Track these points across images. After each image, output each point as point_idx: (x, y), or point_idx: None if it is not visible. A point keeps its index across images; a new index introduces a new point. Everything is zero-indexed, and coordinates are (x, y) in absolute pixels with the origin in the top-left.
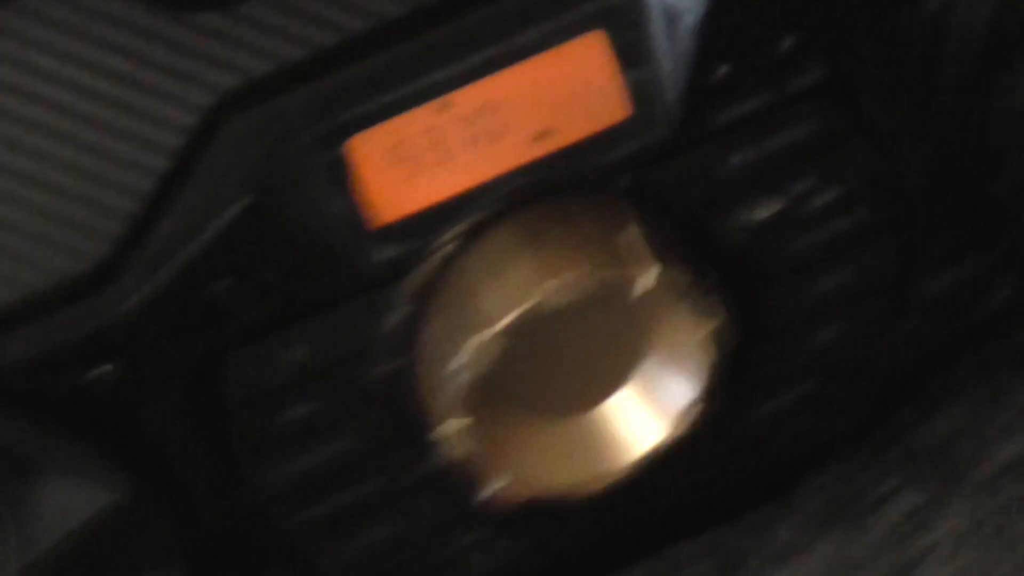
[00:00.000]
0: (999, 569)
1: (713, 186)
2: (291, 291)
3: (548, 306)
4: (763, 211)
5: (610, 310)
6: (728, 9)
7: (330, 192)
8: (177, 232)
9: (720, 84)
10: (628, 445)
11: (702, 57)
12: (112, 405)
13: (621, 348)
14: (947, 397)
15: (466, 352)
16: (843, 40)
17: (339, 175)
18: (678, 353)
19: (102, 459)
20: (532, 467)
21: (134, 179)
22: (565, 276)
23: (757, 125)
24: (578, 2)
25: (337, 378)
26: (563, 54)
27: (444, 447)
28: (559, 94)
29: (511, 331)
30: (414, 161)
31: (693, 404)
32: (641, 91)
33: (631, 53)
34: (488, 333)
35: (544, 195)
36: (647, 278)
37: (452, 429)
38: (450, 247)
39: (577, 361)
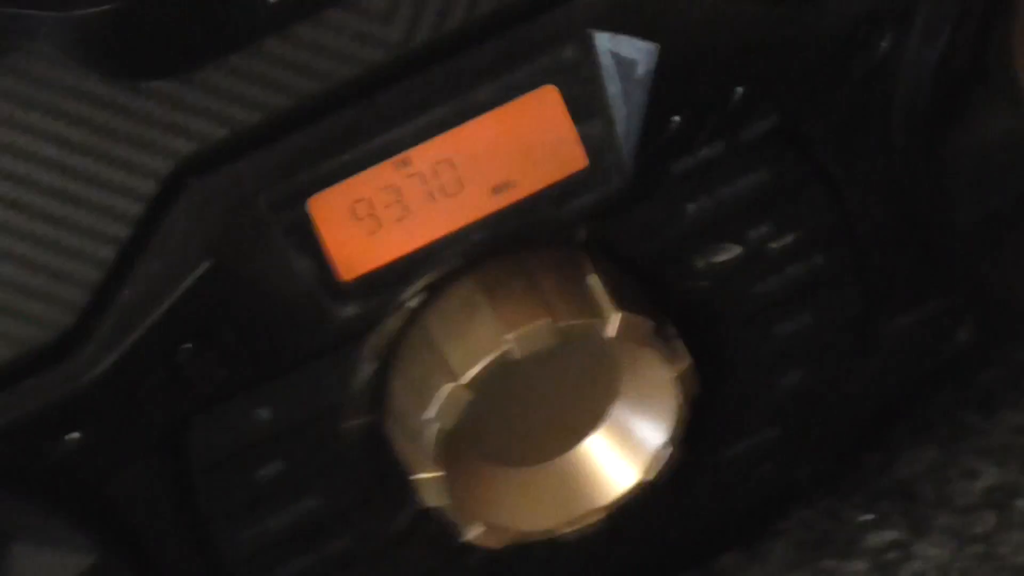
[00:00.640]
0: None
1: (670, 234)
2: (255, 353)
3: (512, 358)
4: (721, 258)
5: (575, 359)
6: (679, 60)
7: (291, 253)
8: (140, 299)
9: (673, 134)
10: (600, 490)
11: (654, 108)
12: (81, 472)
13: (588, 395)
14: (911, 440)
15: (434, 406)
16: (793, 88)
17: (300, 236)
18: (645, 399)
19: (72, 526)
20: (505, 515)
21: (95, 248)
22: (528, 328)
23: (712, 174)
24: (530, 57)
25: (304, 437)
26: (517, 109)
27: (417, 500)
28: (515, 148)
29: (477, 383)
30: (374, 219)
31: (663, 448)
32: (595, 143)
33: (584, 106)
34: (455, 386)
35: (504, 248)
36: (609, 327)
37: (425, 480)
38: (413, 302)
39: (545, 409)
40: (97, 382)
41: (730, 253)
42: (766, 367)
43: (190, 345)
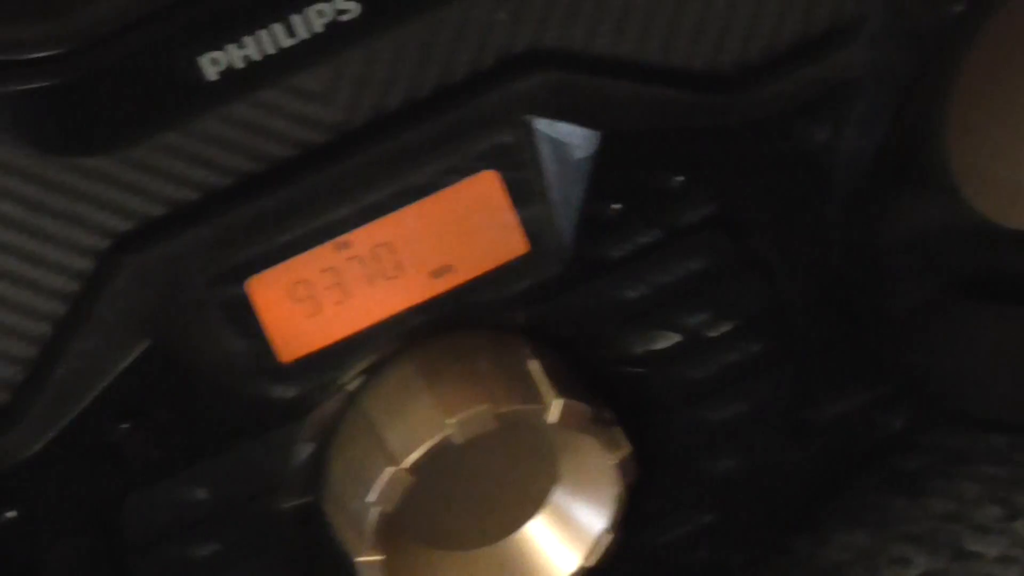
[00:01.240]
0: None
1: (608, 321)
2: (191, 432)
3: (456, 440)
4: (659, 345)
5: (515, 443)
6: (617, 148)
7: (229, 333)
8: (76, 377)
9: (612, 220)
10: (543, 574)
11: (593, 194)
12: (14, 550)
13: (529, 480)
14: (841, 524)
15: (376, 488)
16: (730, 176)
17: (238, 316)
18: (586, 484)
19: None
20: None
21: (31, 325)
22: (471, 411)
23: (649, 260)
24: (469, 141)
25: (241, 517)
26: (456, 193)
27: None
28: (454, 232)
29: (418, 467)
30: (313, 301)
31: (604, 534)
32: (535, 228)
33: (523, 191)
34: (395, 470)
35: (443, 331)
36: (549, 413)
37: (366, 564)
38: (352, 384)
39: (485, 493)
40: (31, 460)
41: (668, 340)
42: (701, 453)
43: (126, 425)
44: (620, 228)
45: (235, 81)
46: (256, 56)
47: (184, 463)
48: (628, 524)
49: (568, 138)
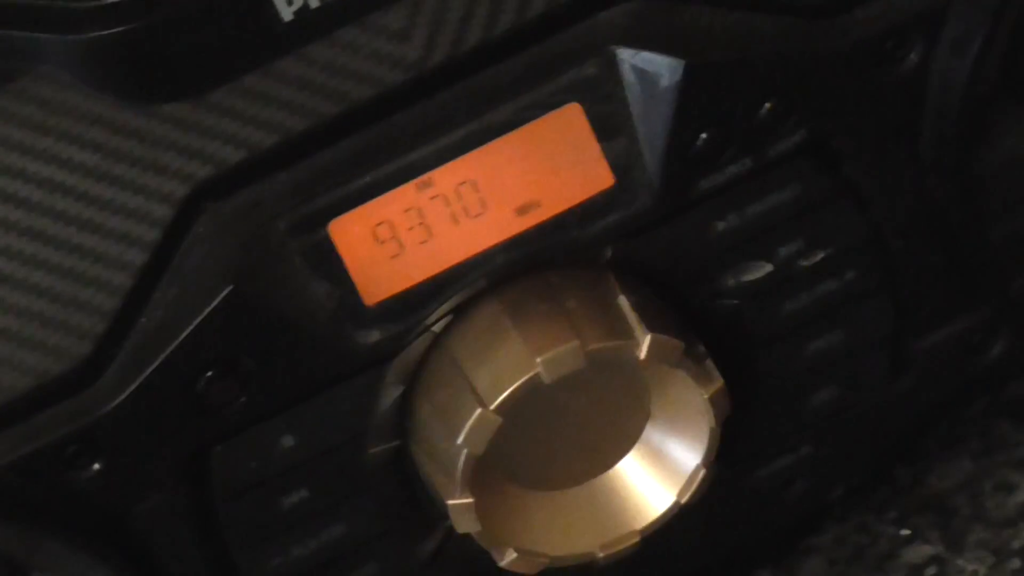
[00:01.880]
0: None
1: (699, 253)
2: (276, 380)
3: (544, 379)
4: (750, 276)
5: (604, 382)
6: (704, 76)
7: (312, 277)
8: (158, 327)
9: (700, 151)
10: (634, 513)
11: (680, 125)
12: (100, 503)
13: (619, 418)
14: (943, 453)
15: (462, 431)
16: (821, 103)
17: (320, 260)
18: (677, 420)
19: (93, 558)
20: (537, 540)
21: (112, 275)
22: (560, 349)
23: (739, 191)
24: (552, 75)
25: (328, 464)
26: (540, 128)
27: (445, 527)
28: (539, 168)
29: (505, 409)
30: (396, 241)
31: (697, 470)
32: (621, 161)
33: (608, 124)
34: (483, 412)
35: (529, 269)
36: (638, 349)
37: (456, 506)
38: (437, 326)
39: (575, 433)
40: (116, 412)
41: (760, 271)
42: (797, 385)
43: (210, 373)
44: (708, 159)
45: (311, 21)
46: None
47: (270, 410)
48: (724, 458)
49: (653, 68)
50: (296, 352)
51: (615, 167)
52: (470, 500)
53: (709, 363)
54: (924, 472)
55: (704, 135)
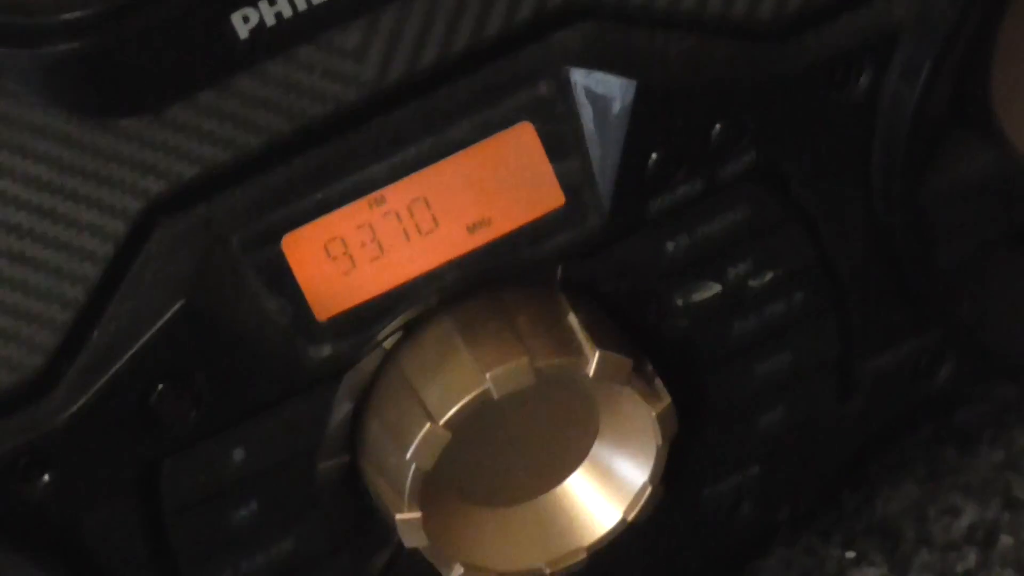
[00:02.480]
0: None
1: (648, 273)
2: (227, 394)
3: (490, 398)
4: (699, 296)
5: (553, 399)
6: (656, 98)
7: (264, 292)
8: (111, 340)
9: (651, 172)
10: (581, 530)
11: (632, 145)
12: (50, 514)
13: (567, 435)
14: (889, 477)
15: (411, 446)
16: (771, 126)
17: (273, 275)
18: (625, 438)
19: (41, 569)
20: (485, 556)
21: (65, 289)
22: (509, 365)
23: (690, 212)
24: (505, 94)
25: (278, 479)
26: (492, 146)
27: (394, 542)
28: (491, 186)
29: (455, 424)
30: (348, 258)
31: (644, 487)
32: (572, 181)
33: (560, 144)
34: (432, 427)
35: (480, 286)
36: (587, 366)
37: (405, 521)
38: (388, 342)
39: (524, 449)
40: (68, 424)
41: (709, 291)
42: (745, 406)
43: (162, 387)
44: (659, 180)
45: (267, 39)
46: (288, 13)
47: (221, 424)
48: (671, 478)
49: (605, 89)
50: (248, 367)
51: (566, 186)
52: (418, 515)
53: (657, 382)
54: (870, 496)
55: (655, 156)
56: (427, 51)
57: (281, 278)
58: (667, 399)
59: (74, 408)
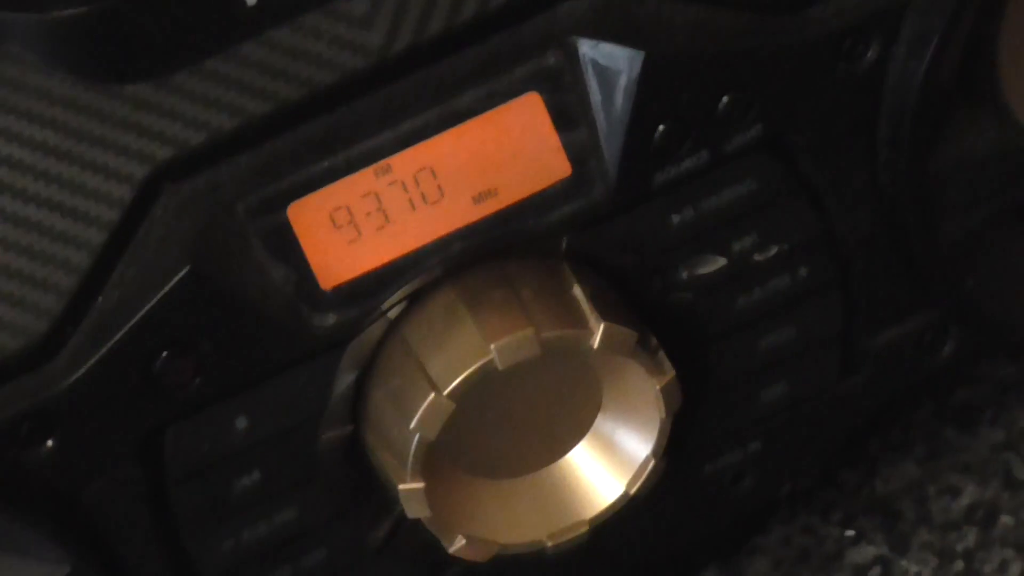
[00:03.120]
0: None
1: (654, 245)
2: (232, 361)
3: (498, 366)
4: (704, 270)
5: (557, 370)
6: (663, 69)
7: (269, 260)
8: (115, 306)
9: (657, 144)
10: (584, 503)
11: (638, 117)
12: (53, 481)
13: (571, 407)
14: (890, 456)
15: (415, 417)
16: (778, 99)
17: (278, 243)
18: (629, 411)
19: (43, 536)
20: (487, 528)
21: (70, 254)
22: (514, 336)
23: (695, 184)
24: (512, 64)
25: (281, 448)
26: (499, 116)
27: (397, 512)
28: (497, 156)
29: (459, 394)
30: (353, 227)
31: (647, 460)
32: (578, 152)
33: (567, 114)
34: (436, 397)
35: (485, 257)
36: (592, 338)
37: (408, 491)
38: (393, 312)
39: (527, 420)
40: (72, 390)
41: (714, 265)
42: (748, 380)
43: (166, 353)
44: (665, 151)
45: (274, 5)
46: None
47: (224, 392)
48: (673, 451)
49: (612, 60)
50: (252, 334)
51: (573, 157)
52: (421, 485)
53: (661, 354)
54: (870, 475)
55: (662, 127)
56: (434, 20)
57: (286, 246)
58: (671, 372)
59: (78, 374)
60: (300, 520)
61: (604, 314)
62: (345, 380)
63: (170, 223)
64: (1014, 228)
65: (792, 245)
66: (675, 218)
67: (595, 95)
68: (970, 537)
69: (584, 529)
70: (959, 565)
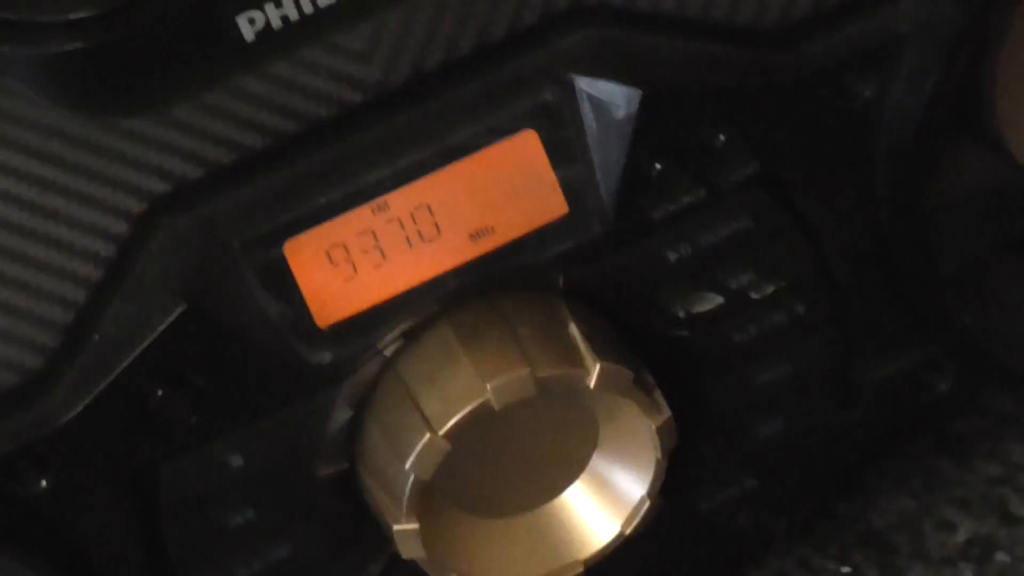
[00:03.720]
0: None
1: (650, 283)
2: (226, 398)
3: (494, 406)
4: (701, 307)
5: (553, 409)
6: (661, 106)
7: (265, 297)
8: (111, 342)
9: (653, 180)
10: (579, 543)
11: (635, 154)
12: (47, 518)
13: (566, 446)
14: (885, 489)
15: (410, 456)
16: (775, 135)
17: (274, 280)
18: (624, 450)
19: (37, 571)
20: (482, 568)
21: (65, 289)
22: (510, 376)
23: (692, 221)
24: (509, 101)
25: (275, 486)
26: (496, 153)
27: (391, 551)
28: (494, 193)
29: (454, 434)
30: (349, 264)
31: (642, 500)
32: (575, 189)
33: (563, 151)
34: (431, 437)
35: (482, 295)
36: (588, 377)
37: (402, 531)
38: (389, 349)
39: (523, 460)
40: (66, 428)
41: (710, 303)
42: (745, 417)
43: (161, 391)
44: (662, 188)
45: (273, 41)
46: (294, 16)
47: (220, 429)
48: (669, 489)
49: (609, 97)
50: (247, 372)
51: (569, 195)
52: (416, 526)
53: (657, 393)
54: (865, 509)
55: (659, 165)
56: (432, 55)
57: (283, 283)
58: (667, 412)
59: (73, 411)
60: (294, 558)
61: (600, 353)
62: (341, 417)
63: (166, 259)
64: (1010, 263)
65: (789, 282)
66: (671, 255)
67: (592, 132)
68: (966, 573)
69: (579, 570)
70: None
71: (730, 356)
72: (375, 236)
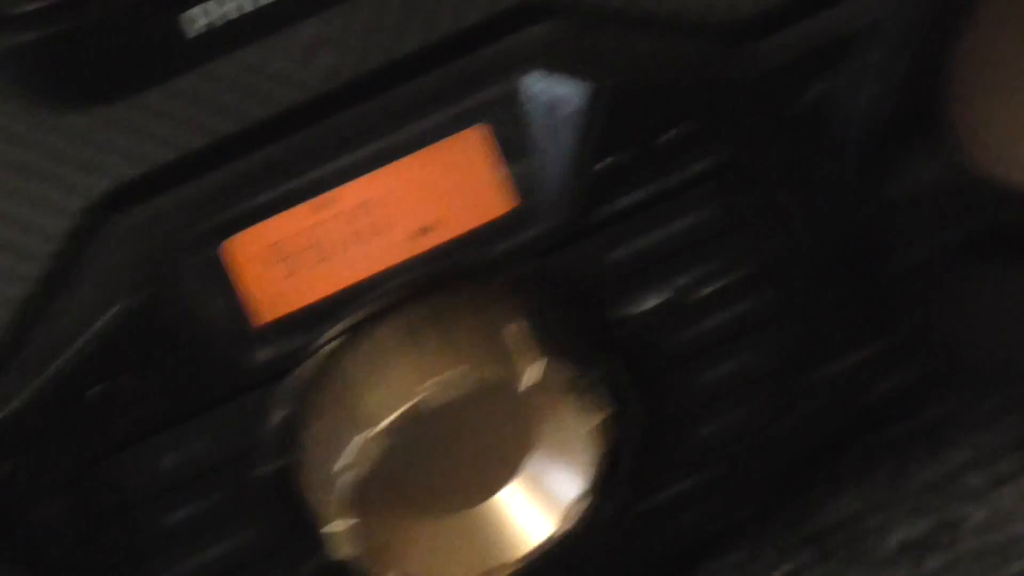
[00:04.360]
0: None
1: (601, 277)
2: (172, 393)
3: (431, 404)
4: (652, 301)
5: (495, 406)
6: (612, 100)
7: (209, 293)
8: (52, 339)
9: (604, 175)
10: (517, 540)
11: (586, 149)
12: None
13: (507, 443)
14: (851, 476)
15: (349, 452)
16: (730, 129)
17: (217, 276)
18: (565, 447)
19: None
20: (422, 565)
21: (6, 286)
22: (447, 374)
23: (643, 215)
24: (458, 97)
25: (220, 479)
26: (444, 149)
27: (331, 547)
28: (441, 189)
29: (394, 430)
30: (294, 260)
31: (581, 497)
32: (524, 184)
33: (513, 146)
34: (371, 433)
35: (427, 291)
36: (532, 373)
37: (338, 529)
38: (332, 345)
39: (463, 457)
40: (5, 422)
41: (660, 298)
42: (701, 408)
43: (99, 387)
44: (613, 183)
45: (215, 39)
46: (235, 14)
47: (158, 426)
48: (607, 489)
49: (561, 91)
50: (186, 369)
51: (520, 189)
52: (351, 523)
53: (598, 391)
54: (805, 509)
55: (608, 160)
56: (377, 52)
57: (222, 281)
58: (608, 410)
59: (14, 404)
60: (231, 556)
61: (542, 350)
62: (279, 415)
63: (108, 255)
64: (963, 262)
65: (739, 277)
66: (622, 250)
67: (543, 127)
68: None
69: (519, 565)
70: None
71: (679, 352)
72: (316, 233)
